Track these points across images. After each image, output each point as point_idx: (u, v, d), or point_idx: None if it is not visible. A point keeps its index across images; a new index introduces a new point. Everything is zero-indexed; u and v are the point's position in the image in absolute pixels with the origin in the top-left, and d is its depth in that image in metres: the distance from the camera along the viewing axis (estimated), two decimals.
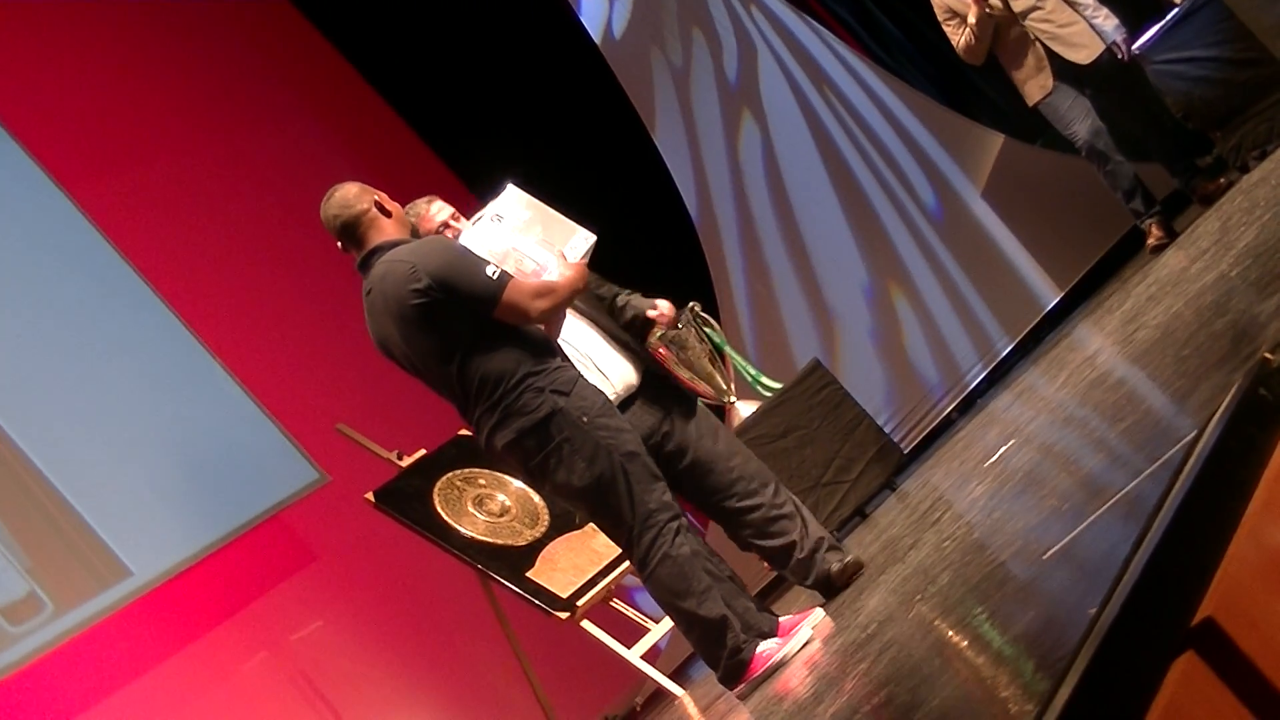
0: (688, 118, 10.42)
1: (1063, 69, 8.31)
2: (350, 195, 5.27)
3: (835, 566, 5.63)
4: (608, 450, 5.09)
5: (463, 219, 5.75)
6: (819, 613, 5.32)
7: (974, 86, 10.37)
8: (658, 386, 5.85)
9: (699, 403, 5.97)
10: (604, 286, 5.98)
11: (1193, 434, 3.00)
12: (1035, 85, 8.41)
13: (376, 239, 5.24)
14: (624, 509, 5.12)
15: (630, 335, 5.89)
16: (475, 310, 5.07)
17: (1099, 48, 8.26)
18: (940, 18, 8.54)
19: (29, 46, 9.41)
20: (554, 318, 5.27)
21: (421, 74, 10.94)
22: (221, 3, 10.64)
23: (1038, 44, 8.33)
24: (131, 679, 7.70)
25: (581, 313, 5.76)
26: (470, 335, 5.10)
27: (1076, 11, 8.30)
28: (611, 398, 5.53)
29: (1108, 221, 9.26)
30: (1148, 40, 8.12)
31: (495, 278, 5.06)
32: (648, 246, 9.40)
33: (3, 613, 7.39)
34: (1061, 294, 9.56)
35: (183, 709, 7.81)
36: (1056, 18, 8.30)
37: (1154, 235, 8.23)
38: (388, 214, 5.25)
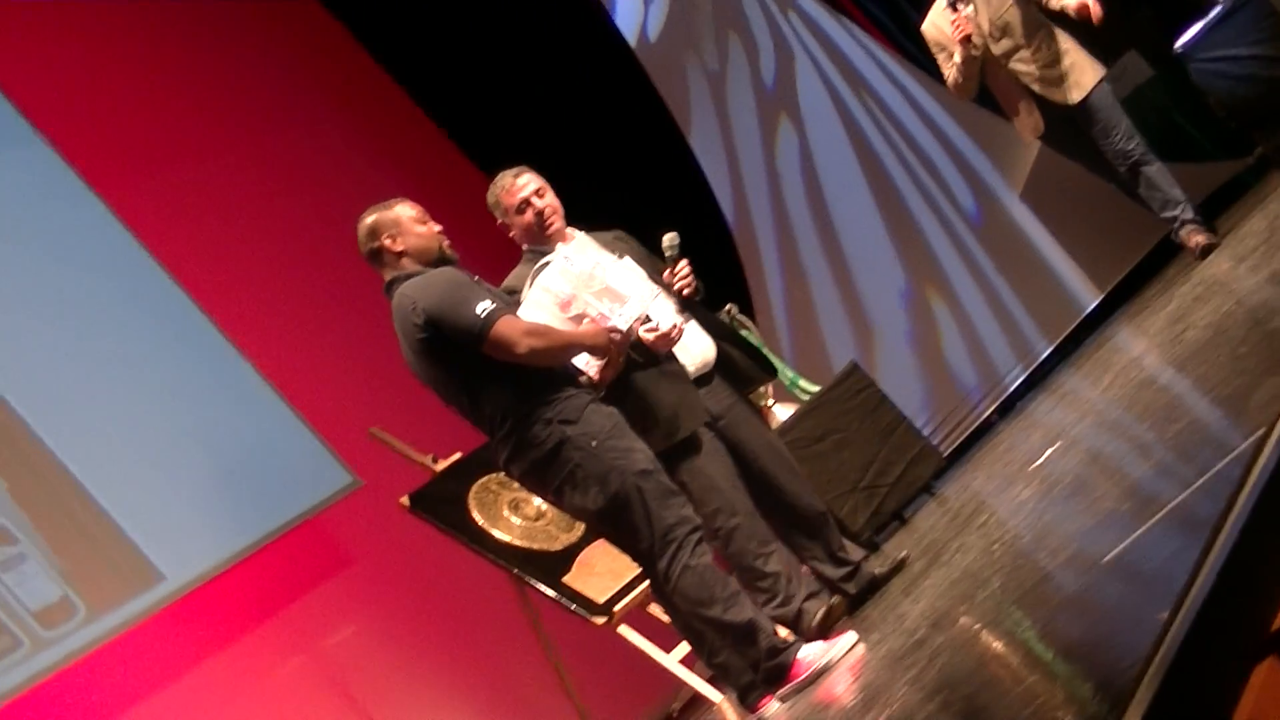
0: (723, 122, 10.36)
1: (1053, 111, 7.97)
2: (363, 232, 5.42)
3: (880, 569, 5.64)
4: (620, 471, 5.10)
5: (548, 193, 5.75)
6: (851, 635, 5.23)
7: None
8: (729, 379, 5.91)
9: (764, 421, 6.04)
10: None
11: (1260, 433, 2.91)
12: (1027, 127, 8.13)
13: (391, 273, 5.36)
14: (641, 528, 5.12)
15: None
16: (466, 346, 5.09)
17: (1089, 84, 7.88)
18: (931, 50, 8.23)
19: (62, 51, 9.37)
20: (546, 360, 5.20)
21: (455, 78, 10.87)
22: (252, 5, 10.59)
23: (1024, 86, 7.98)
24: (165, 684, 7.64)
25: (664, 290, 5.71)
26: (475, 368, 5.16)
27: (1065, 41, 7.91)
28: (691, 370, 5.59)
29: (1148, 223, 9.15)
30: (1191, 39, 8.01)
31: (484, 315, 5.09)
32: (684, 250, 9.32)
33: (36, 617, 7.34)
34: (1101, 296, 9.45)
35: (216, 714, 7.75)
36: (1041, 57, 7.91)
37: (1194, 243, 8.01)
38: (399, 253, 5.34)
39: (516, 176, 5.87)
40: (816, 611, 5.57)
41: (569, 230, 5.90)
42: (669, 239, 5.95)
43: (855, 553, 5.95)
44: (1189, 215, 7.87)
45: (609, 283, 5.39)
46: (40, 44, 9.26)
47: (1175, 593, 2.64)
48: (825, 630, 5.44)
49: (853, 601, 5.79)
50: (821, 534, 5.86)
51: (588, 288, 5.35)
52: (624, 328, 5.30)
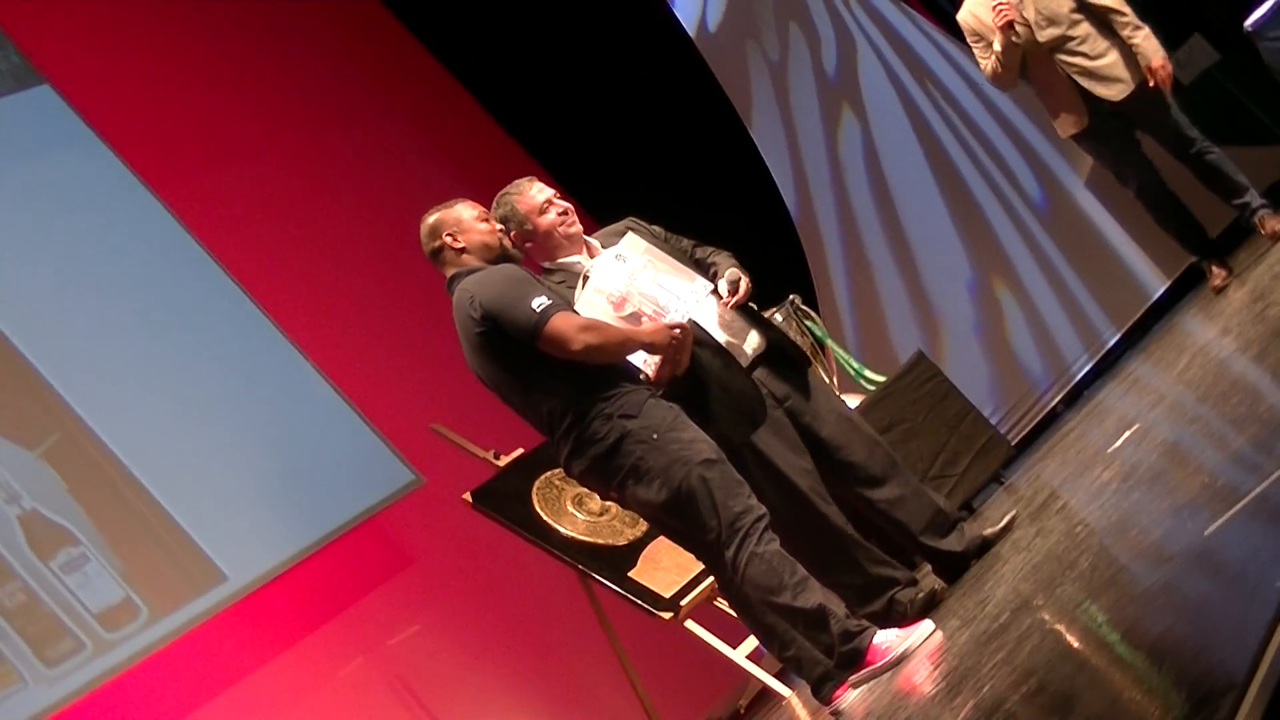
0: (785, 112, 10.27)
1: (1098, 106, 7.76)
2: (425, 231, 5.45)
3: (989, 530, 5.57)
4: (683, 462, 5.04)
5: (565, 202, 5.68)
6: (928, 624, 5.11)
7: None
8: (783, 358, 5.77)
9: (831, 391, 5.92)
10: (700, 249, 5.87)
11: None
12: (1069, 121, 7.93)
13: (451, 270, 5.37)
14: (708, 519, 5.05)
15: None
16: (522, 341, 5.06)
17: (1133, 81, 7.67)
18: (968, 40, 8.04)
19: (119, 50, 9.35)
20: (602, 357, 5.14)
21: (513, 71, 10.82)
22: (310, 2, 10.55)
23: (1070, 78, 7.76)
24: (228, 685, 7.61)
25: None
26: (532, 365, 5.14)
27: (1114, 35, 7.68)
28: (742, 361, 5.51)
29: (1215, 207, 9.01)
30: (1260, 18, 7.86)
31: (539, 310, 5.06)
32: (746, 240, 9.21)
33: (99, 619, 7.30)
34: (1169, 282, 9.32)
35: (279, 715, 7.71)
36: (1090, 49, 7.69)
37: (1217, 277, 7.85)
38: (460, 249, 5.35)
39: (530, 183, 5.78)
40: (915, 596, 5.43)
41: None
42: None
43: (952, 513, 5.80)
44: (1258, 202, 7.72)
45: (661, 279, 5.32)
46: (95, 44, 9.24)
47: (1261, 585, 2.55)
48: (926, 614, 5.31)
49: (956, 567, 5.64)
50: (913, 501, 5.72)
51: (640, 285, 5.28)
52: (682, 322, 5.23)
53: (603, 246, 5.69)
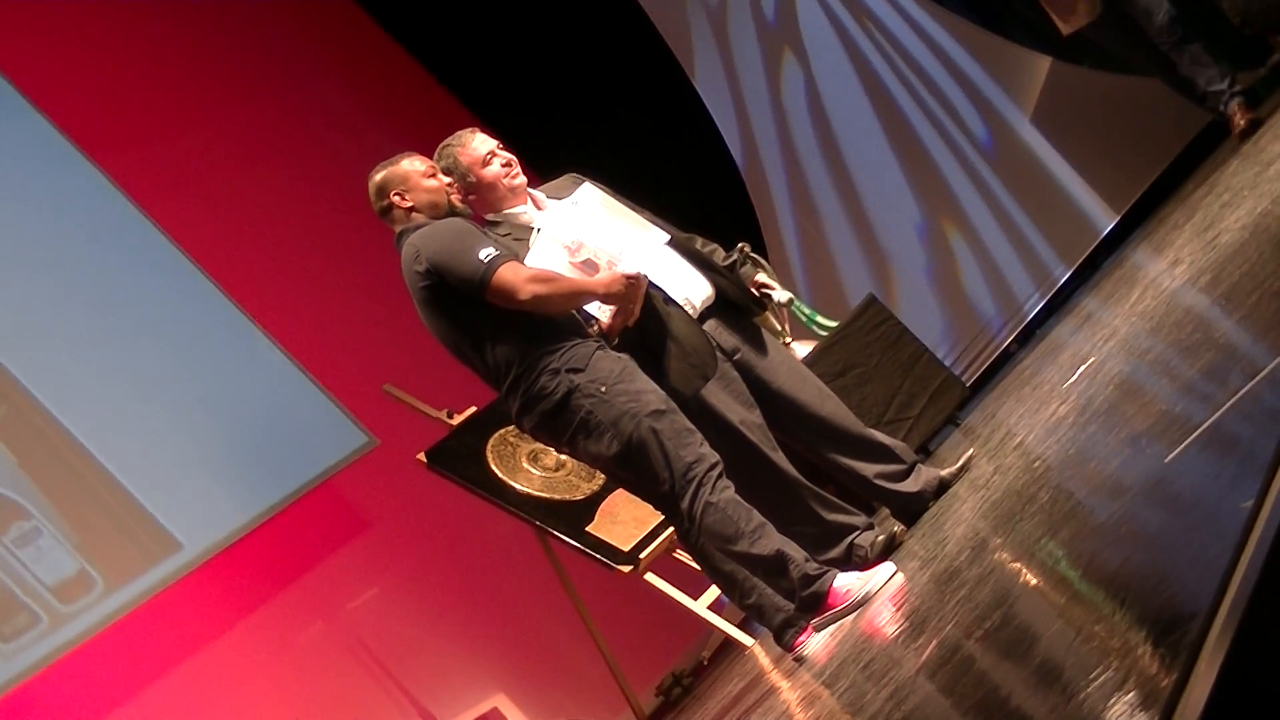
0: (726, 58, 10.22)
1: None
2: (372, 190, 5.40)
3: (946, 471, 5.57)
4: (632, 415, 5.02)
5: (508, 154, 5.63)
6: (889, 566, 5.08)
7: (1014, 9, 10.09)
8: (733, 307, 5.73)
9: (780, 343, 5.88)
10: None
11: None
12: (1083, 10, 7.99)
13: (400, 226, 5.33)
14: (660, 470, 5.03)
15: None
16: (468, 293, 5.03)
17: None
18: None
19: (52, 17, 9.23)
20: (551, 307, 5.11)
21: (449, 24, 10.71)
22: None
23: None
24: (187, 654, 7.57)
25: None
26: (480, 318, 5.11)
27: None
28: (690, 311, 5.47)
29: (1162, 141, 9.01)
30: None
31: (486, 260, 5.03)
32: (692, 190, 9.20)
33: (54, 592, 7.25)
34: (1118, 217, 9.32)
35: (241, 682, 7.68)
36: None
37: (1239, 118, 7.88)
38: (409, 208, 5.31)
39: (472, 134, 5.72)
40: (874, 540, 5.41)
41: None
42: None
43: (908, 456, 5.78)
44: (1237, 88, 7.80)
45: (617, 228, 5.29)
46: (31, 13, 9.12)
47: (1220, 511, 2.53)
48: (886, 557, 5.28)
49: (915, 509, 5.63)
50: (868, 447, 5.70)
51: (596, 233, 5.24)
52: (635, 272, 5.19)
53: (547, 198, 5.65)
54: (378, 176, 5.39)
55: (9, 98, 8.64)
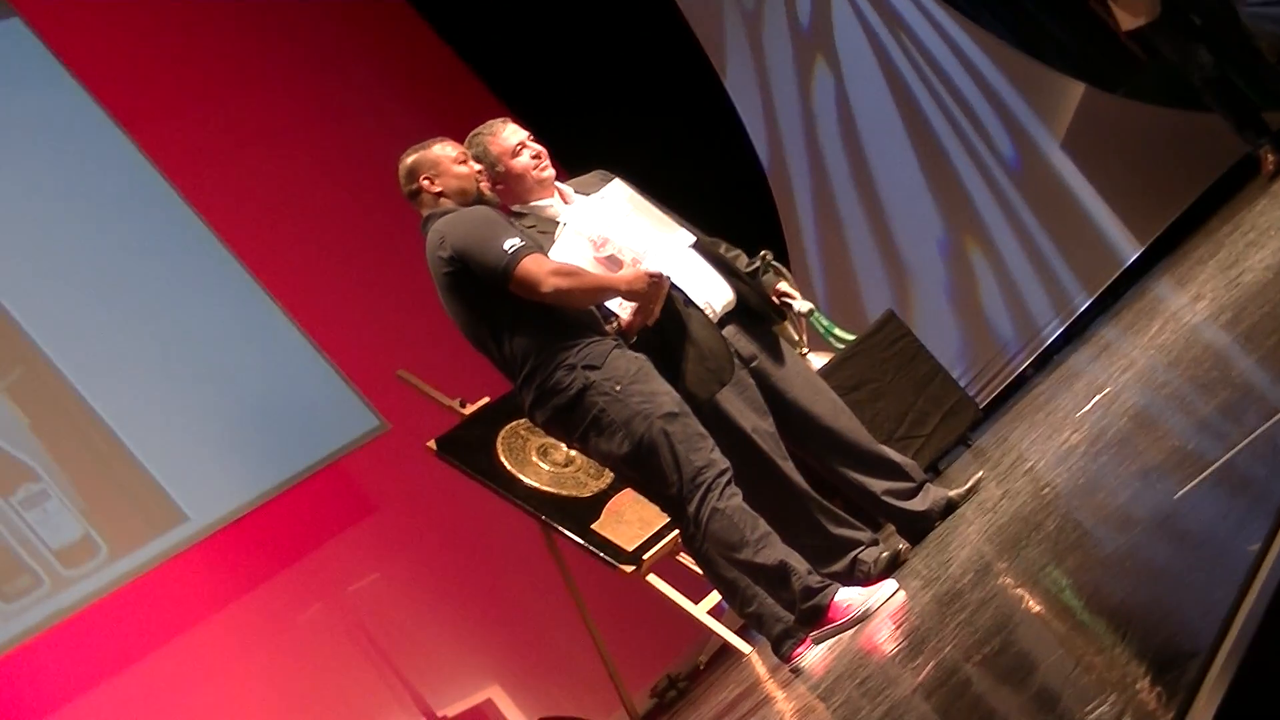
0: (759, 62, 10.19)
1: None
2: (403, 173, 5.40)
3: (955, 492, 5.55)
4: (644, 416, 5.02)
5: (538, 145, 5.62)
6: (891, 584, 5.08)
7: (1051, 33, 10.07)
8: (753, 318, 5.72)
9: (797, 354, 5.88)
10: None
11: None
12: (1141, 8, 7.95)
13: (427, 210, 5.33)
14: (669, 472, 5.03)
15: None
16: (491, 283, 5.03)
17: None
18: None
19: None
20: (573, 302, 5.13)
21: (486, 18, 10.71)
22: None
23: None
24: (186, 626, 7.59)
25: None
26: (501, 308, 5.11)
27: None
28: (710, 316, 5.46)
29: (1191, 175, 8.99)
30: None
31: (510, 251, 5.03)
32: (718, 193, 9.20)
33: (58, 555, 7.26)
34: (1143, 248, 9.29)
35: (238, 658, 7.69)
36: None
37: (1269, 162, 7.87)
38: (437, 193, 5.31)
39: (504, 124, 5.71)
40: (878, 556, 5.40)
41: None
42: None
43: (917, 474, 5.77)
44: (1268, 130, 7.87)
45: (642, 226, 5.29)
46: None
47: (1227, 551, 2.52)
48: (889, 574, 5.27)
49: (921, 528, 5.62)
50: (878, 463, 5.69)
51: (621, 230, 5.24)
52: (659, 271, 5.19)
53: (575, 193, 5.65)
54: (409, 160, 5.40)
55: (45, 63, 8.66)
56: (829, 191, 10.03)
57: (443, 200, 5.31)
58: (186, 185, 8.85)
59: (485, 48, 10.79)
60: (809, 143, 10.09)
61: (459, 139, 5.62)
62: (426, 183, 5.33)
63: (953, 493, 5.67)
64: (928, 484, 5.73)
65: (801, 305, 5.92)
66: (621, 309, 5.27)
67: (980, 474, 5.78)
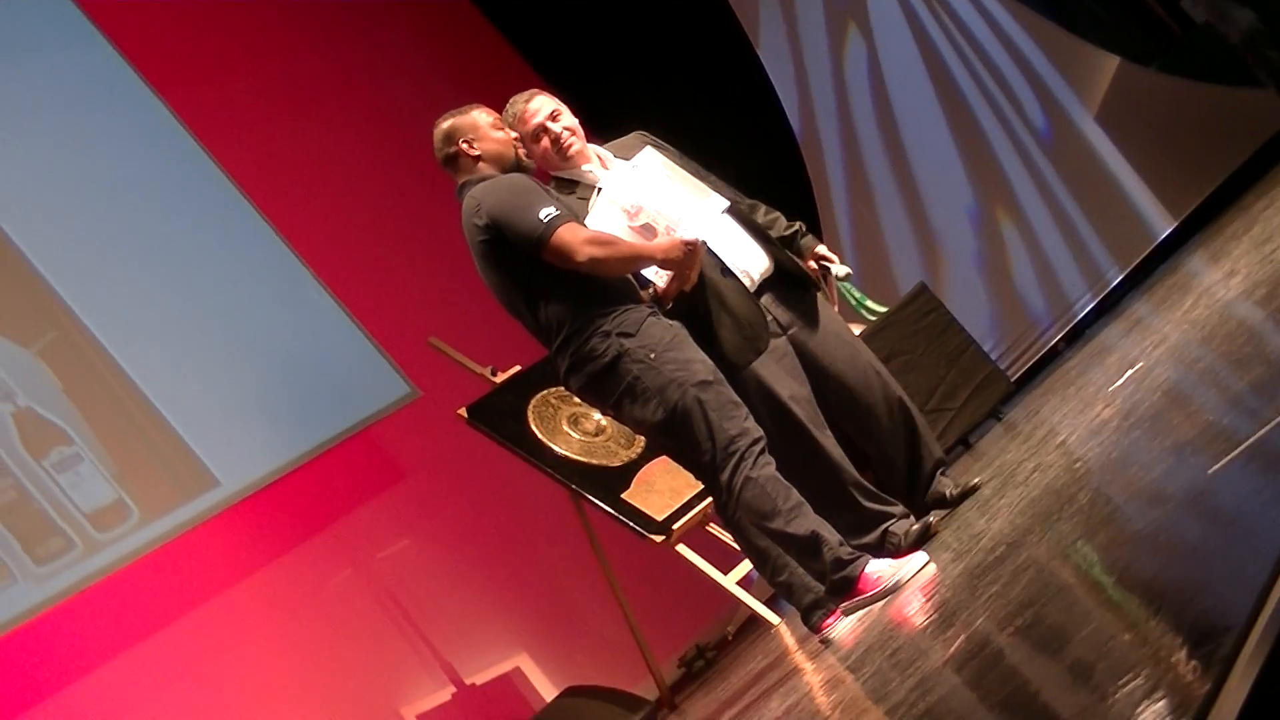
0: (791, 30, 10.15)
1: None
2: (439, 137, 5.40)
3: (950, 490, 5.51)
4: (679, 384, 5.03)
5: (564, 115, 5.62)
6: (922, 556, 5.07)
7: (1086, 6, 10.03)
8: (790, 281, 5.71)
9: (837, 322, 5.86)
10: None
11: None
12: None
13: (464, 177, 5.34)
14: (703, 440, 5.04)
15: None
16: (526, 251, 5.04)
17: None
18: None
19: None
20: (608, 270, 5.13)
21: None
22: None
23: None
24: (216, 591, 7.60)
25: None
26: (536, 276, 5.12)
27: None
28: (748, 284, 5.46)
29: (1226, 150, 8.96)
30: None
31: (546, 219, 5.04)
32: (750, 163, 9.16)
33: (90, 519, 7.29)
34: (1176, 223, 9.26)
35: (267, 622, 7.71)
36: None
37: None
38: (475, 157, 5.31)
39: (528, 101, 5.71)
40: (909, 529, 5.40)
41: (591, 148, 5.72)
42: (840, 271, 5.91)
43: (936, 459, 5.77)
44: None
45: (677, 193, 5.28)
46: None
47: (1260, 528, 2.52)
48: (920, 547, 5.27)
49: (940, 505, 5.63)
50: (911, 433, 5.68)
51: (656, 198, 5.24)
52: (695, 239, 5.19)
53: (614, 157, 5.65)
54: (445, 124, 5.40)
55: (79, 25, 8.67)
56: (860, 161, 10.00)
57: (481, 165, 5.33)
58: (220, 150, 8.85)
59: (521, 15, 10.76)
60: (841, 111, 10.06)
61: (494, 107, 5.63)
62: (465, 145, 5.33)
63: (948, 490, 5.66)
64: (943, 468, 5.74)
65: (840, 269, 5.92)
66: (657, 276, 5.28)
67: (978, 479, 5.72)
